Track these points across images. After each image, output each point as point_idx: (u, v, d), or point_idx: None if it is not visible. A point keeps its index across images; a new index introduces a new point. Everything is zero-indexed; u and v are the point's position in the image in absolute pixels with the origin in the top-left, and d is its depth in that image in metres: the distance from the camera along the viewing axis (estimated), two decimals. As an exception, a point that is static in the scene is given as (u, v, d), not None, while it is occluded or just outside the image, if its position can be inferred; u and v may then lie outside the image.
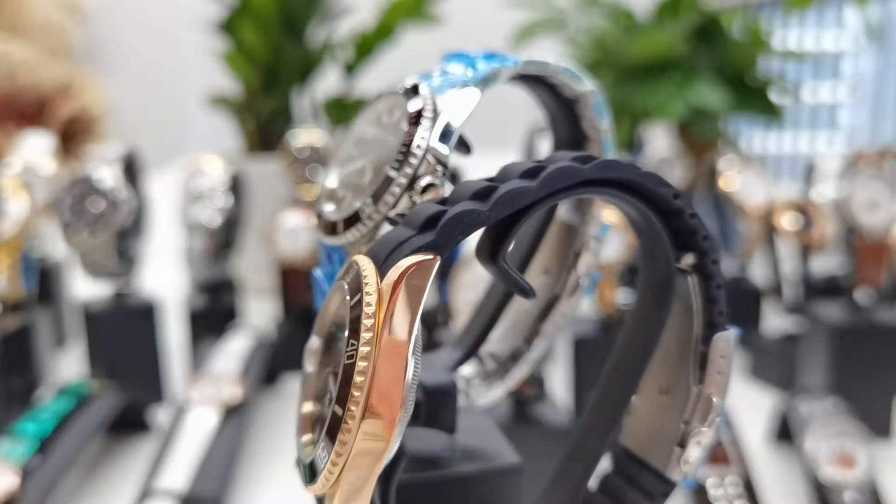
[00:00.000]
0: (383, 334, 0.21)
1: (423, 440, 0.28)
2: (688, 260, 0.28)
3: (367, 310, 0.21)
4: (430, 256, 0.22)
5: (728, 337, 0.28)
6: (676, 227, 0.27)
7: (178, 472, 0.51)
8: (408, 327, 0.21)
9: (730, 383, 0.28)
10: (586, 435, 0.30)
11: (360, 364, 0.21)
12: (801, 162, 2.28)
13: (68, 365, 0.80)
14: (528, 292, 0.25)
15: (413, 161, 0.28)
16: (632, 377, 0.30)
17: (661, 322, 0.29)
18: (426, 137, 0.28)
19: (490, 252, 0.25)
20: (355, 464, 0.21)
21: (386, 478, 0.26)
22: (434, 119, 0.28)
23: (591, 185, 0.25)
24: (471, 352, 0.36)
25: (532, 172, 0.24)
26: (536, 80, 0.32)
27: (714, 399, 0.28)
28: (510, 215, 0.24)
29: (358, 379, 0.20)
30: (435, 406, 0.33)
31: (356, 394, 0.21)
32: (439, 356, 0.35)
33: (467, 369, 0.36)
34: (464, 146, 0.31)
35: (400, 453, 0.26)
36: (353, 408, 0.21)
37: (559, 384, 0.67)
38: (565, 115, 0.34)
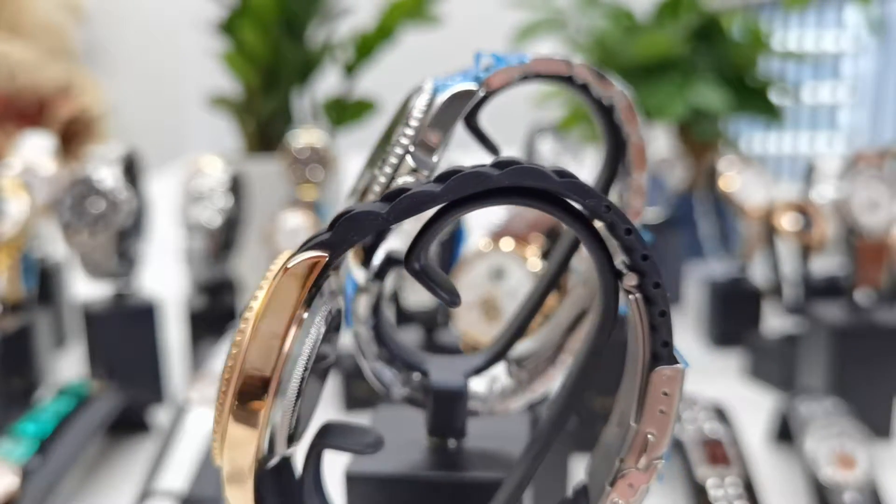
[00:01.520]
0: (257, 324, 0.22)
1: (348, 435, 0.29)
2: (630, 280, 0.24)
3: (252, 302, 0.22)
4: (319, 254, 0.22)
5: (671, 372, 0.24)
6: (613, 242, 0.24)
7: (178, 472, 0.51)
8: (283, 319, 0.22)
9: (673, 423, 0.25)
10: (524, 454, 0.28)
11: (233, 350, 0.22)
12: (801, 162, 2.29)
13: (68, 365, 0.80)
14: (449, 301, 0.25)
15: (393, 161, 0.28)
16: (568, 400, 0.27)
17: (599, 347, 0.26)
18: (410, 136, 0.28)
19: (405, 255, 0.25)
20: (231, 444, 0.22)
21: (305, 467, 0.27)
22: (422, 119, 0.29)
23: (508, 193, 0.23)
24: (495, 359, 0.35)
25: (445, 177, 0.23)
26: (567, 81, 0.30)
27: (650, 438, 0.25)
28: (429, 220, 0.24)
29: (228, 363, 0.22)
30: (441, 409, 0.33)
31: (226, 377, 0.22)
32: (462, 361, 0.35)
33: (493, 375, 0.35)
34: (488, 145, 0.31)
35: (317, 445, 0.27)
36: (223, 389, 0.22)
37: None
38: (602, 118, 0.32)
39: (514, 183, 0.23)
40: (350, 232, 0.23)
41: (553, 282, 0.35)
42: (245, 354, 0.22)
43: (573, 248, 0.35)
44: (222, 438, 0.22)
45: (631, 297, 0.24)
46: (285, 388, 0.22)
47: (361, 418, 0.67)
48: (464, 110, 0.29)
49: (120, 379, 0.64)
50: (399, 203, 0.23)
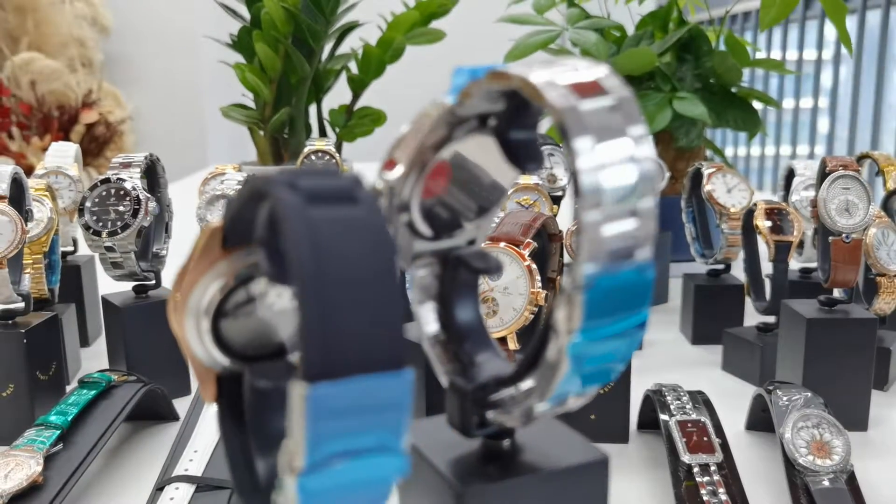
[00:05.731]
0: (189, 256, 0.27)
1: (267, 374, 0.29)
2: None
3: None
4: (219, 224, 0.26)
5: (302, 392, 0.19)
6: None
7: (195, 459, 0.52)
8: (194, 256, 0.27)
9: (302, 452, 0.19)
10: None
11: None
12: (780, 168, 2.28)
13: (93, 360, 0.80)
14: (273, 277, 0.26)
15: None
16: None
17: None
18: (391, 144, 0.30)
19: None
20: (176, 327, 0.28)
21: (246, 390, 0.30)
22: (403, 131, 0.30)
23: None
24: (515, 378, 0.32)
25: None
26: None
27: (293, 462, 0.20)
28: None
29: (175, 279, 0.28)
30: (452, 404, 0.32)
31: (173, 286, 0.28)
32: (504, 365, 0.34)
33: (525, 385, 0.31)
34: (518, 160, 0.29)
35: (243, 378, 0.30)
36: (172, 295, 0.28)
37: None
38: None
39: (266, 190, 0.23)
40: (227, 208, 0.27)
41: None
42: (179, 272, 0.27)
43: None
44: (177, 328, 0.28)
45: None
46: (199, 300, 0.27)
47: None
48: (435, 124, 0.28)
49: (148, 373, 0.64)
50: (238, 192, 0.26)
